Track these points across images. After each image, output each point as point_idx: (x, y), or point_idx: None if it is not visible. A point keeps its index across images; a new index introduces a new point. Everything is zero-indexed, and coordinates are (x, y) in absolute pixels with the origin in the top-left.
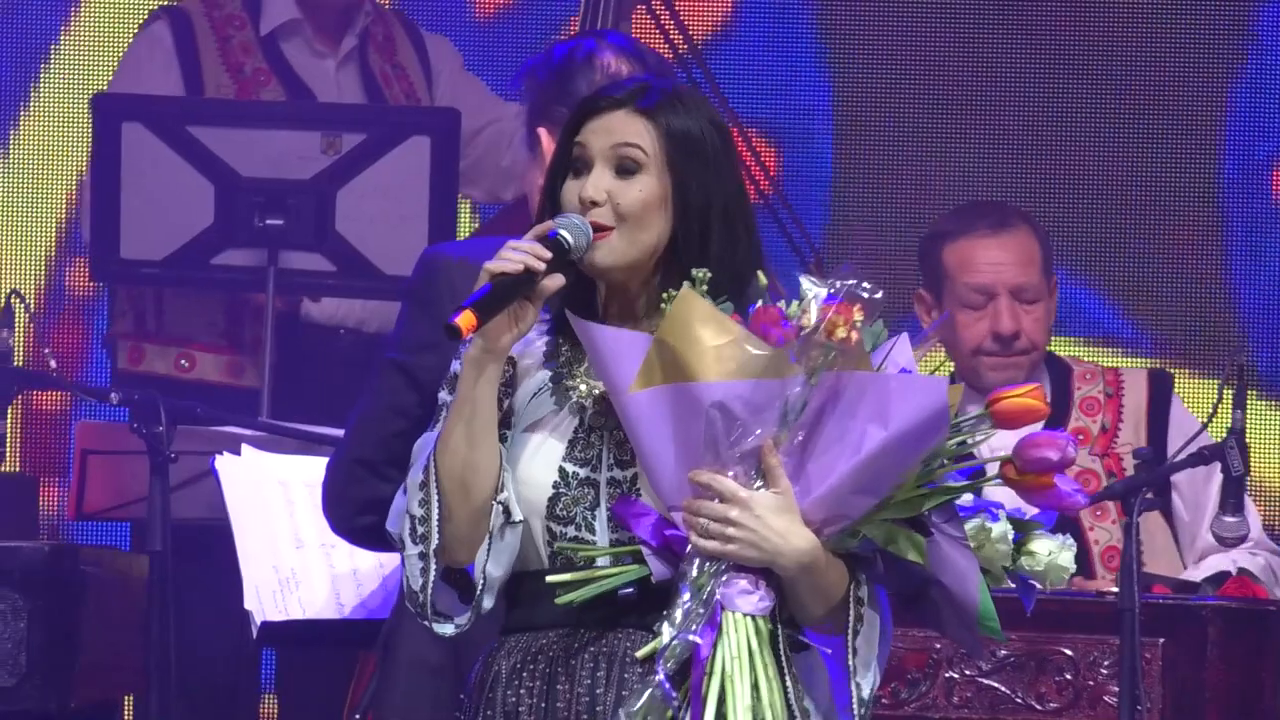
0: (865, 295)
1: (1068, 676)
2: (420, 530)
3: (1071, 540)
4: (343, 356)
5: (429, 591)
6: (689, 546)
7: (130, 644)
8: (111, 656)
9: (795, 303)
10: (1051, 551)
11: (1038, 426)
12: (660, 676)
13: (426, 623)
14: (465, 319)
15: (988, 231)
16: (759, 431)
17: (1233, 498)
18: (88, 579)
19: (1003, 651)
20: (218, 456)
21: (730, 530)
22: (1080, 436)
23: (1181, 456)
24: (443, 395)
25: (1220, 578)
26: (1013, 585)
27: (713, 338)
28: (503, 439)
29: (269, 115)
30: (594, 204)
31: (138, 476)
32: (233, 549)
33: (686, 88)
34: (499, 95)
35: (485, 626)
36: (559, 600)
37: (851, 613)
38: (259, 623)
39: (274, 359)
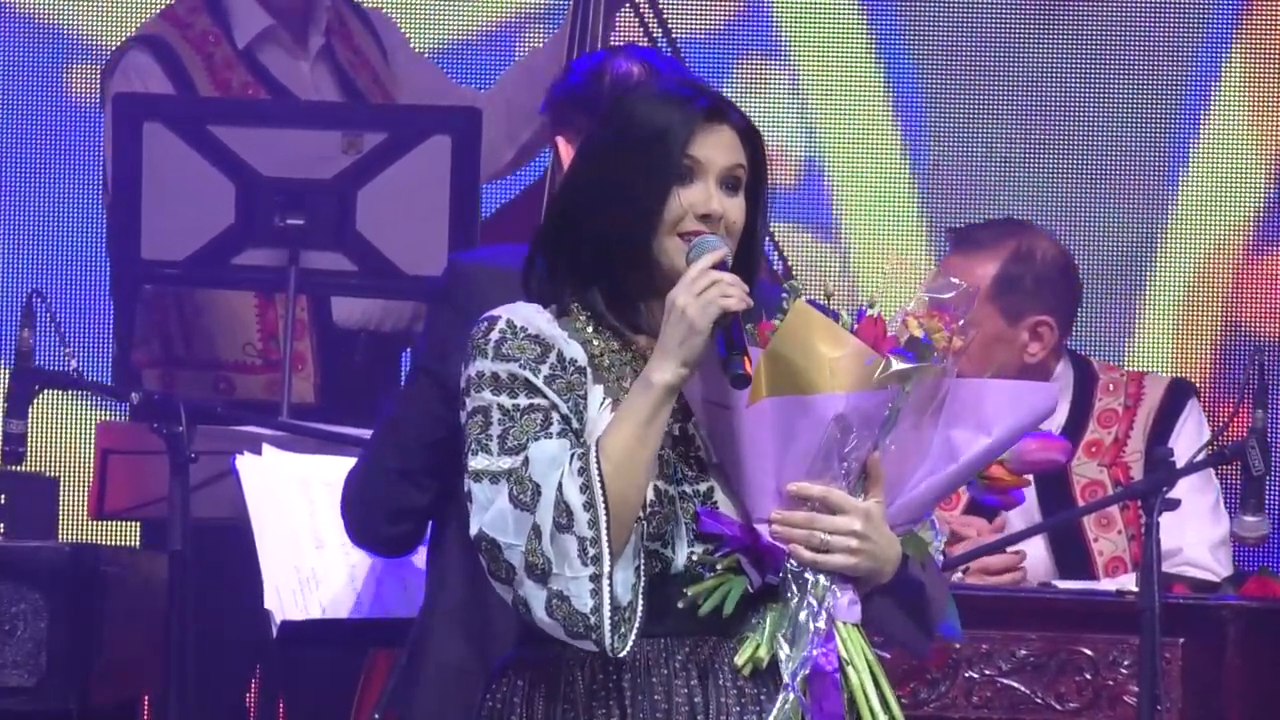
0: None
1: (1087, 676)
2: (592, 552)
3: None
4: (364, 358)
5: (603, 613)
6: (791, 561)
7: (150, 644)
8: (131, 656)
9: (870, 310)
10: None
11: None
12: (796, 694)
13: (600, 646)
14: (748, 363)
15: (956, 251)
16: (869, 443)
17: (1253, 497)
18: (108, 579)
19: (1022, 651)
20: (238, 456)
21: (854, 543)
22: (1093, 449)
23: (1200, 457)
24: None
25: (1240, 578)
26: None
27: (831, 350)
28: None
29: (290, 115)
30: (711, 219)
31: (158, 476)
32: (253, 549)
33: None
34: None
35: (502, 635)
36: (703, 610)
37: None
38: (279, 622)
39: (320, 367)
